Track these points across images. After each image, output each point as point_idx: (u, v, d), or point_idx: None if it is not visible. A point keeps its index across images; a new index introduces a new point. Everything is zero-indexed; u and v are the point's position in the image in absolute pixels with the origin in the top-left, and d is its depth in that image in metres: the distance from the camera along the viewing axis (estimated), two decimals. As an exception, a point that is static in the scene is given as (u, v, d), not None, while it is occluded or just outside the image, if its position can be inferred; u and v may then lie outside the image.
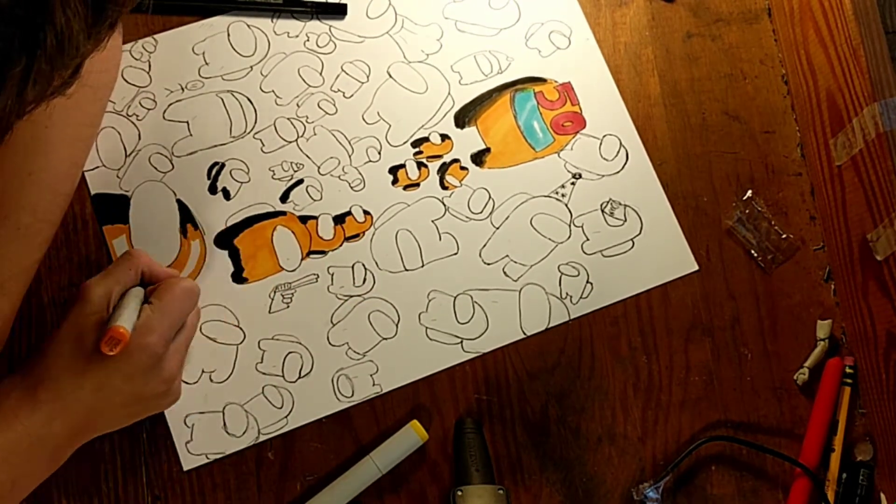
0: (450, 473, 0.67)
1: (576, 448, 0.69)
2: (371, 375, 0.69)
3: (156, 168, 0.72)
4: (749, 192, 0.75)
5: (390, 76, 0.75)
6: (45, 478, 0.61)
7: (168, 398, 0.63)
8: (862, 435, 0.70)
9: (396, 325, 0.70)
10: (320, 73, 0.75)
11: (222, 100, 0.74)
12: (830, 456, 0.69)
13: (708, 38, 0.78)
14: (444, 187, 0.73)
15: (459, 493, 0.64)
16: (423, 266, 0.71)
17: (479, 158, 0.74)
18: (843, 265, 0.71)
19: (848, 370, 0.71)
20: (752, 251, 0.73)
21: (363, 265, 0.71)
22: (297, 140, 0.73)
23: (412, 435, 0.66)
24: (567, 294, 0.71)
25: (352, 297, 0.70)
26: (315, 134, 0.74)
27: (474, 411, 0.69)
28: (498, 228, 0.72)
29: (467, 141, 0.74)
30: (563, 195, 0.73)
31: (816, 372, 0.71)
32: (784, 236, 0.74)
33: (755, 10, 0.79)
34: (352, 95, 0.75)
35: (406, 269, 0.71)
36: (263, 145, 0.73)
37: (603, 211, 0.73)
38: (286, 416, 0.67)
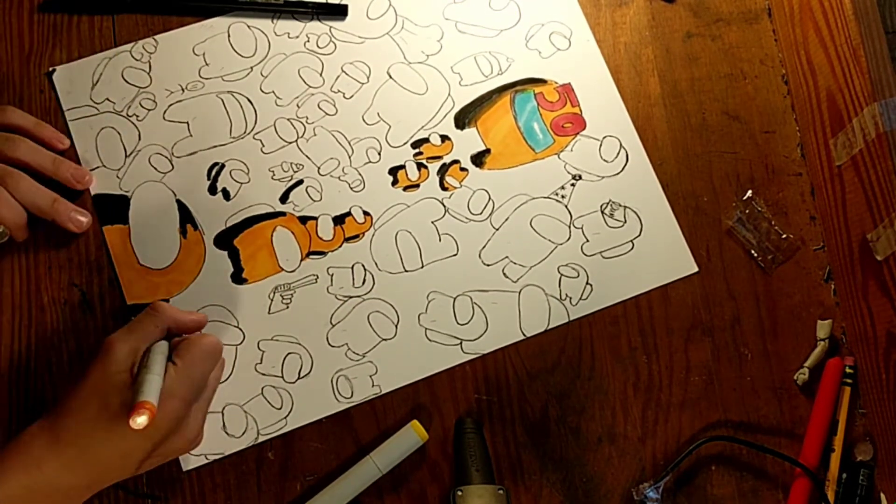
0: (450, 473, 0.67)
1: (576, 448, 0.69)
2: (370, 376, 0.69)
3: (156, 168, 0.72)
4: (749, 192, 0.75)
5: (390, 77, 0.76)
6: None
7: (189, 449, 0.63)
8: (862, 435, 0.70)
9: (396, 326, 0.70)
10: (320, 74, 0.75)
11: (222, 100, 0.74)
12: (830, 456, 0.69)
13: (708, 38, 0.78)
14: (443, 188, 0.73)
15: (459, 493, 0.64)
16: (422, 267, 0.71)
17: (479, 159, 0.74)
18: (843, 265, 0.71)
19: (848, 370, 0.71)
20: (752, 251, 0.73)
21: (363, 266, 0.71)
22: (296, 141, 0.73)
23: (412, 435, 0.66)
24: (567, 295, 0.71)
25: (351, 297, 0.70)
26: (315, 135, 0.74)
27: (474, 411, 0.69)
28: (498, 229, 0.72)
29: (467, 142, 0.74)
30: (562, 196, 0.73)
31: (816, 372, 0.71)
32: (784, 236, 0.74)
33: (755, 10, 0.79)
34: (352, 96, 0.75)
35: (406, 270, 0.71)
36: (263, 146, 0.73)
37: (603, 212, 0.73)
38: (285, 417, 0.67)
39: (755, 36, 0.79)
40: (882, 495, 0.68)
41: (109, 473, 0.60)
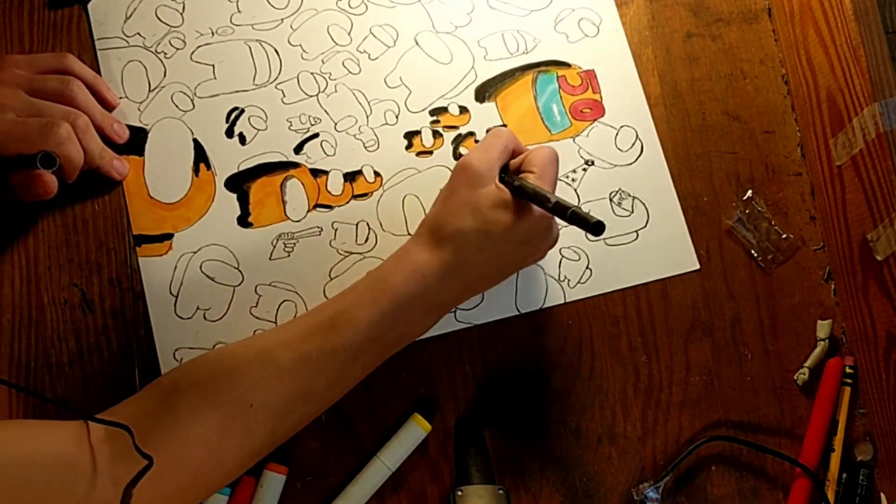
0: (450, 473, 0.67)
1: (576, 448, 0.69)
2: None
3: (177, 106, 0.73)
4: (749, 192, 0.75)
5: (417, 44, 0.76)
6: (427, 331, 0.65)
7: (549, 249, 0.67)
8: (862, 435, 0.70)
9: None
10: (349, 33, 0.76)
11: (250, 48, 0.75)
12: (830, 456, 0.69)
13: (708, 38, 0.78)
14: (456, 158, 0.74)
15: (459, 493, 0.64)
16: None
17: None
18: (843, 265, 0.71)
19: (848, 370, 0.71)
20: (752, 251, 0.73)
21: (367, 224, 0.72)
22: (317, 95, 0.74)
23: (415, 428, 0.66)
24: (565, 277, 0.72)
25: (352, 253, 0.71)
26: (336, 91, 0.75)
27: (474, 411, 0.69)
28: None
29: (485, 116, 0.75)
30: (573, 180, 0.74)
31: (816, 372, 0.71)
32: (784, 236, 0.74)
33: (755, 10, 0.79)
34: (377, 58, 0.76)
35: (409, 234, 0.72)
36: (284, 96, 0.74)
37: (611, 200, 0.74)
38: None
39: (755, 36, 0.79)
40: (882, 495, 0.68)
41: (480, 283, 0.64)
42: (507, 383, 0.69)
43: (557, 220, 0.62)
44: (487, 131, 0.72)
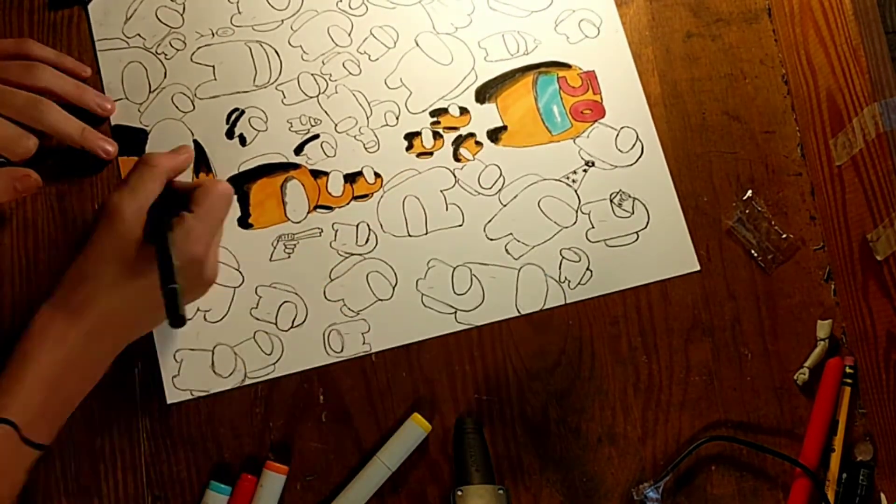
0: (450, 473, 0.67)
1: (576, 448, 0.69)
2: (362, 334, 0.69)
3: (177, 107, 0.73)
4: (749, 192, 0.75)
5: (417, 45, 0.76)
6: (91, 388, 0.62)
7: (208, 288, 0.65)
8: (862, 435, 0.70)
9: (393, 288, 0.70)
10: (349, 34, 0.76)
11: (250, 49, 0.75)
12: (830, 456, 0.69)
13: (708, 38, 0.78)
14: (456, 159, 0.74)
15: (459, 493, 0.64)
16: (426, 234, 0.72)
17: (495, 135, 0.74)
18: (843, 265, 0.71)
19: (848, 370, 0.71)
20: (752, 251, 0.73)
21: (367, 225, 0.72)
22: (318, 96, 0.74)
23: (415, 428, 0.66)
24: (566, 278, 0.72)
25: (353, 255, 0.71)
26: (336, 92, 0.75)
27: (474, 411, 0.69)
28: (505, 206, 0.73)
29: (485, 117, 0.75)
30: (573, 181, 0.74)
31: (816, 372, 0.71)
32: (784, 236, 0.74)
33: (755, 10, 0.79)
34: (377, 59, 0.76)
35: (409, 235, 0.72)
36: (284, 97, 0.74)
37: (612, 201, 0.74)
38: (274, 364, 0.68)
39: (755, 36, 0.79)
40: (882, 495, 0.68)
41: (136, 328, 0.63)
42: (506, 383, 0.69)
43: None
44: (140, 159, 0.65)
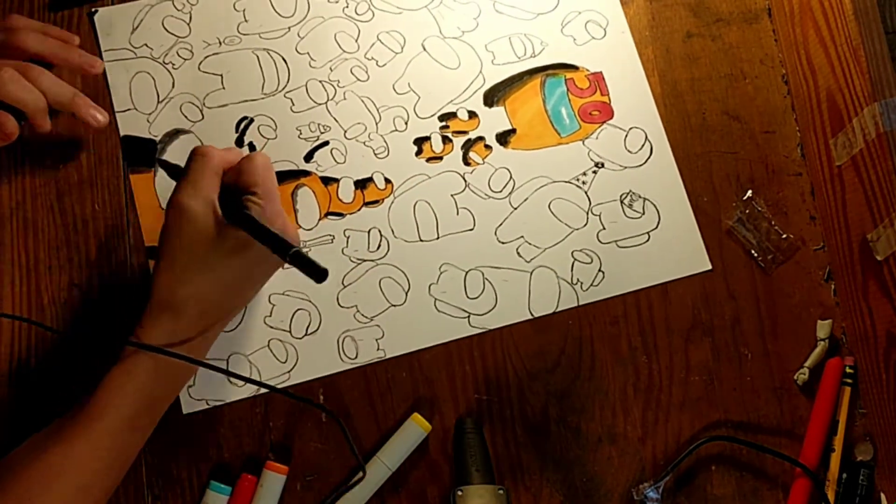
0: (450, 473, 0.67)
1: (576, 448, 0.69)
2: (376, 340, 0.69)
3: (186, 116, 0.74)
4: (749, 192, 0.75)
5: (424, 49, 0.76)
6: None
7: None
8: (862, 435, 0.70)
9: (406, 294, 0.70)
10: (356, 40, 0.76)
11: (257, 57, 0.75)
12: (830, 456, 0.69)
13: (708, 38, 0.78)
14: (466, 163, 0.74)
15: (459, 493, 0.64)
16: (438, 238, 0.72)
17: (504, 138, 0.75)
18: (843, 265, 0.71)
19: (848, 370, 0.71)
20: (752, 251, 0.73)
21: (379, 231, 0.72)
22: (326, 103, 0.75)
23: (415, 428, 0.66)
24: (578, 280, 0.72)
25: (365, 261, 0.71)
26: (345, 98, 0.75)
27: (474, 411, 0.69)
28: (516, 209, 0.73)
29: (494, 120, 0.75)
30: (583, 182, 0.74)
31: (816, 372, 0.71)
32: (784, 236, 0.74)
33: (755, 10, 0.79)
34: (385, 64, 0.76)
35: (421, 240, 0.72)
36: (293, 105, 0.74)
37: (622, 202, 0.74)
38: (289, 371, 0.68)
39: (755, 36, 0.79)
40: (882, 495, 0.68)
41: (238, 307, 0.65)
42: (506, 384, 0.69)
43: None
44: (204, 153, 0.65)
